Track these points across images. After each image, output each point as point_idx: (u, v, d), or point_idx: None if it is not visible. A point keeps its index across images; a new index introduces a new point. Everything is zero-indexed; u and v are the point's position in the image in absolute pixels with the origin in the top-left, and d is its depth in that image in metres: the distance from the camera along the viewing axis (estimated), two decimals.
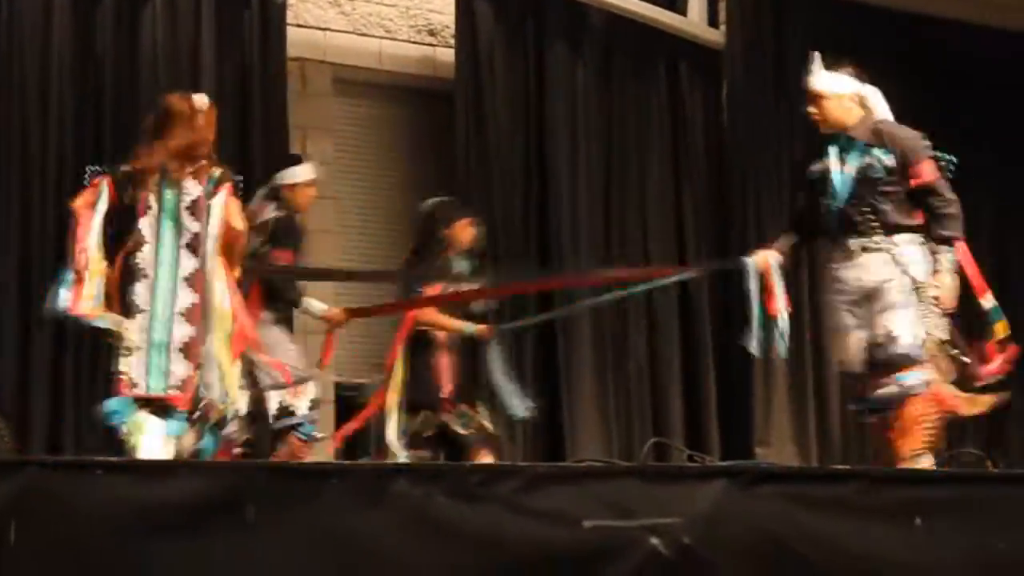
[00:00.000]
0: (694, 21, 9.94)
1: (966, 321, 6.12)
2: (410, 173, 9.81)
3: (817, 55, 6.20)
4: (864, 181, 5.94)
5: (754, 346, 6.15)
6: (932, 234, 5.89)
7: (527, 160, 9.23)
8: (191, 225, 5.68)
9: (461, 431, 7.32)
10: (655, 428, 9.21)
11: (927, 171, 5.97)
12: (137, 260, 5.65)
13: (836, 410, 9.61)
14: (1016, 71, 10.55)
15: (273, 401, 7.03)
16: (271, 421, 7.06)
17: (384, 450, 7.25)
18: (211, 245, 5.66)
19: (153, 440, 5.47)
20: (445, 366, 7.39)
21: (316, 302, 7.38)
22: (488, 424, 7.42)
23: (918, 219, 5.94)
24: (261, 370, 6.76)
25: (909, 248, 5.88)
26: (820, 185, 6.09)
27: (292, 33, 8.77)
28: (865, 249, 5.91)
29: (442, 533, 3.89)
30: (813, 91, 6.14)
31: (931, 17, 10.47)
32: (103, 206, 5.70)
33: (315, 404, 7.22)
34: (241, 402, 6.31)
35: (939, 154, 6.15)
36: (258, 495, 3.89)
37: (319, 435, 7.31)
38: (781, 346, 6.12)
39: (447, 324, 7.43)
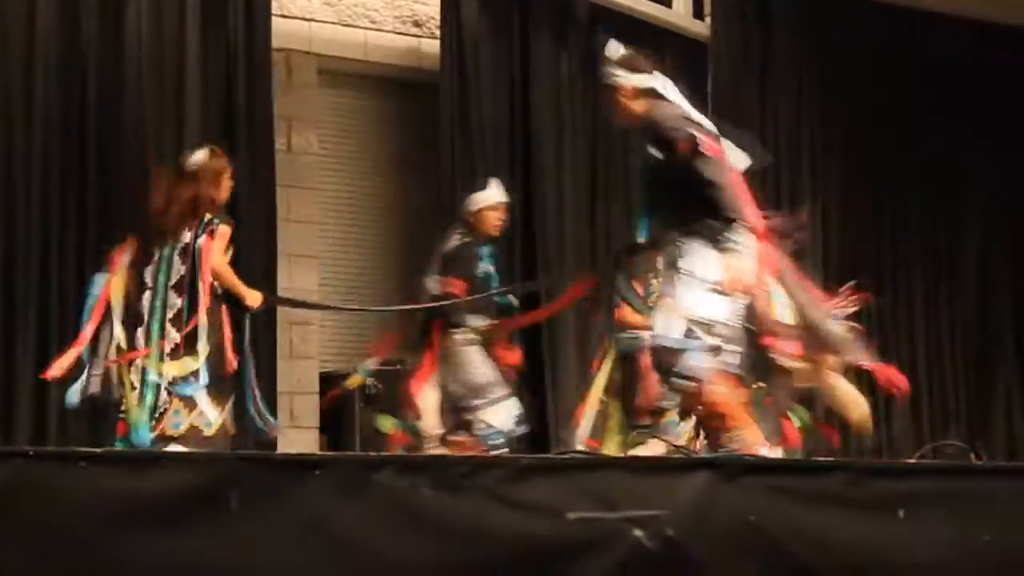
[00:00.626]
0: (679, 13, 9.96)
1: None
2: (395, 164, 9.81)
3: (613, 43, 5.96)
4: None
5: None
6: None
7: (512, 151, 9.24)
8: (179, 268, 6.33)
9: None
10: None
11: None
12: (142, 304, 6.35)
13: None
14: (1007, 66, 10.57)
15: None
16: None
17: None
18: (200, 285, 6.28)
19: None
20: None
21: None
22: None
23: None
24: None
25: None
26: None
27: (277, 24, 8.76)
28: None
29: (426, 524, 3.88)
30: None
31: (916, 10, 10.50)
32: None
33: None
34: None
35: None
36: (243, 486, 3.88)
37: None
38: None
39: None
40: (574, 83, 9.49)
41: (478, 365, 7.33)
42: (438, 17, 9.29)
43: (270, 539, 3.86)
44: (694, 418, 6.46)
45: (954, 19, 10.56)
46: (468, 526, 3.91)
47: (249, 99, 8.43)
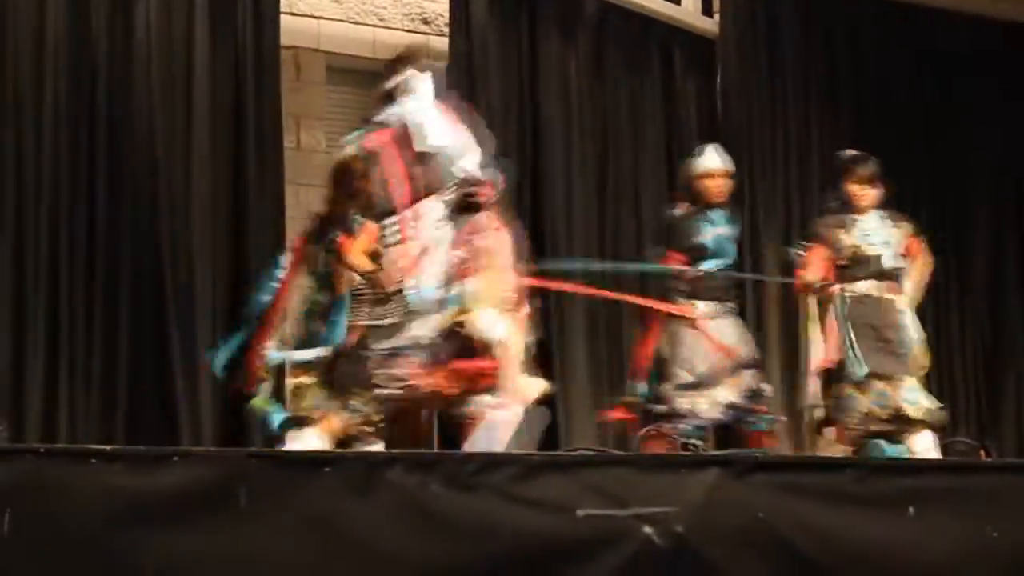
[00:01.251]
0: (688, 10, 9.94)
1: None
2: None
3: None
4: None
5: None
6: None
7: (521, 149, 9.22)
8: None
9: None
10: None
11: None
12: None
13: None
14: (1020, 63, 10.56)
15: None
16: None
17: None
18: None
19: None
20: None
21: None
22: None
23: None
24: None
25: None
26: None
27: (286, 21, 8.76)
28: None
29: (436, 522, 3.89)
30: None
31: (926, 7, 10.48)
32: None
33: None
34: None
35: None
36: (252, 483, 3.89)
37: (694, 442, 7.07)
38: None
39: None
40: (582, 81, 9.48)
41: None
42: (447, 15, 9.29)
43: (279, 536, 3.87)
44: None
45: (966, 16, 10.55)
46: (478, 524, 3.91)
47: (258, 97, 8.43)
